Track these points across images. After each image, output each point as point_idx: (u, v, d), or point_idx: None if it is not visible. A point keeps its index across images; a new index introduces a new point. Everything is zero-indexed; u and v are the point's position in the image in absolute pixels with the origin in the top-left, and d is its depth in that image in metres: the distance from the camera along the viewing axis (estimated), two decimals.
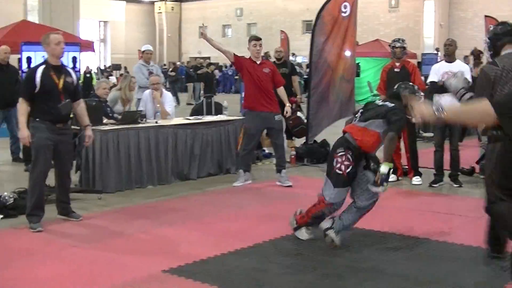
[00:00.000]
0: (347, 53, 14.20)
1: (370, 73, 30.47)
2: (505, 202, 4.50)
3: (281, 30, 35.97)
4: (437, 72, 11.51)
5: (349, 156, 7.57)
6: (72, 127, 9.74)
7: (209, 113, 15.03)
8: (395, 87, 8.17)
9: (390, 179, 8.59)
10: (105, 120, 11.30)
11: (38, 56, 14.95)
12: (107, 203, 10.06)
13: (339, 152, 7.62)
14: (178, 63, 51.00)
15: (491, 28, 7.09)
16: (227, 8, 60.55)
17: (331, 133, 15.67)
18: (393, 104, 7.71)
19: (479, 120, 3.91)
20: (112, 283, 6.46)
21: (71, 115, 9.14)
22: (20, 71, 15.35)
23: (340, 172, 7.56)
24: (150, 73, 13.78)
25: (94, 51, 25.88)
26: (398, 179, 11.84)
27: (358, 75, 26.82)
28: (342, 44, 14.00)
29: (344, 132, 7.85)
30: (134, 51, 48.71)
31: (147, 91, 12.70)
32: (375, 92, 14.87)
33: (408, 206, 9.78)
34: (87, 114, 9.04)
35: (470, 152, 13.37)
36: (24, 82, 8.74)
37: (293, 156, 13.84)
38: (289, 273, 6.76)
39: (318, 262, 7.13)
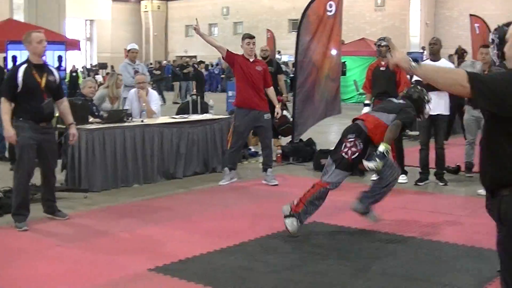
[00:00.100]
0: (333, 52, 14.23)
1: (356, 72, 30.55)
2: None
3: (267, 29, 36.01)
4: None
5: (358, 144, 7.98)
6: (58, 126, 9.72)
7: (195, 112, 15.03)
8: (407, 89, 8.87)
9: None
10: (91, 119, 11.29)
11: (23, 55, 14.79)
12: (93, 202, 10.05)
13: (350, 138, 8.03)
14: (165, 62, 50.94)
15: (499, 26, 7.02)
16: (213, 7, 60.54)
17: (317, 132, 15.78)
18: (406, 103, 8.39)
19: (449, 85, 3.90)
20: (98, 282, 6.46)
21: (57, 114, 9.12)
22: (5, 70, 15.29)
23: (346, 156, 7.95)
24: (136, 72, 13.76)
25: (80, 49, 25.83)
26: None
27: (344, 74, 26.87)
28: (328, 43, 14.02)
29: (356, 119, 8.31)
30: (120, 50, 48.58)
31: (133, 90, 12.68)
32: (361, 90, 14.93)
33: (393, 205, 9.80)
34: (70, 112, 8.98)
35: (456, 150, 13.42)
36: (6, 81, 8.65)
37: (279, 155, 13.85)
38: (275, 272, 6.77)
39: (304, 261, 7.15)
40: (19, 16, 27.35)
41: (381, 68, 11.88)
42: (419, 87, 8.84)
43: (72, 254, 7.41)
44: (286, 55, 43.71)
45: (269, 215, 9.05)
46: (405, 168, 11.84)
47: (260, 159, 12.45)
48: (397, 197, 10.21)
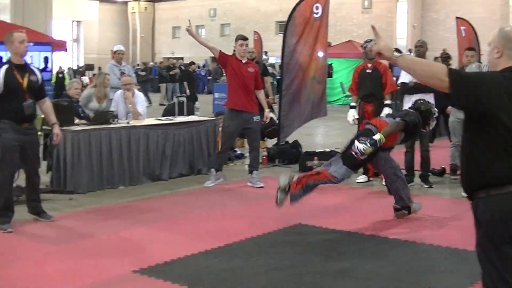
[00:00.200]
0: (319, 54, 14.26)
1: (343, 74, 30.57)
2: None
3: (254, 31, 35.97)
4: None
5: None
6: (44, 127, 9.69)
7: (181, 113, 15.02)
8: (415, 101, 9.41)
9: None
10: (76, 121, 11.26)
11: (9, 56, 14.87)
12: (78, 204, 10.03)
13: (361, 140, 8.44)
14: (151, 63, 50.84)
15: None
16: (200, 8, 60.44)
17: (303, 134, 15.80)
18: (413, 111, 9.04)
19: (428, 78, 3.95)
20: (82, 284, 6.45)
21: (42, 116, 9.08)
22: None
23: (356, 156, 8.41)
24: (122, 73, 13.73)
25: (66, 50, 25.77)
26: (369, 180, 11.91)
27: (330, 76, 26.92)
28: (314, 45, 14.05)
29: (367, 123, 8.97)
30: (107, 51, 48.38)
31: (119, 92, 12.65)
32: (347, 93, 14.96)
33: (378, 207, 9.83)
34: (53, 112, 8.92)
35: (441, 152, 13.44)
36: None
37: (264, 157, 13.84)
38: (260, 273, 6.78)
39: (288, 262, 7.16)
40: (5, 17, 27.29)
41: (368, 70, 11.90)
42: (426, 100, 9.36)
43: (57, 256, 7.39)
44: (274, 57, 43.68)
45: (254, 216, 9.06)
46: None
47: (246, 161, 12.46)
48: (382, 199, 10.24)
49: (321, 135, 20.90)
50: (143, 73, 37.82)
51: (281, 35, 14.54)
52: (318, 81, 14.36)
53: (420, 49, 11.76)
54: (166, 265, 6.98)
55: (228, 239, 7.95)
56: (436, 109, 9.37)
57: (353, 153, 8.39)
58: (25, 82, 8.41)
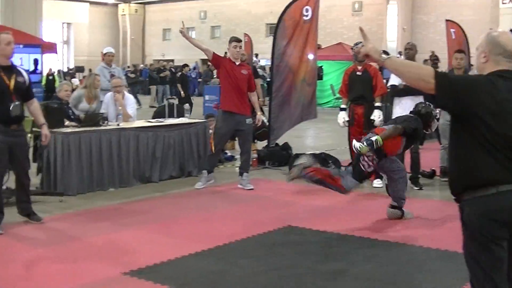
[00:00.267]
0: (309, 56, 14.26)
1: (333, 76, 30.57)
2: None
3: (245, 33, 35.97)
4: None
5: (374, 159, 8.84)
6: (33, 129, 9.67)
7: (171, 116, 15.01)
8: (416, 105, 9.60)
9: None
10: (66, 123, 11.24)
11: None
12: (68, 206, 10.01)
13: (368, 154, 8.79)
14: (142, 65, 50.80)
15: None
16: (191, 10, 60.38)
17: (293, 136, 15.80)
18: (413, 116, 9.32)
19: (414, 80, 4.00)
20: (72, 285, 6.44)
21: (32, 118, 9.06)
22: None
23: (363, 170, 8.87)
24: (112, 75, 13.70)
25: (57, 53, 25.70)
26: (361, 182, 11.90)
27: (321, 78, 26.91)
28: (304, 48, 14.04)
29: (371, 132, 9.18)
30: (97, 53, 48.29)
31: (109, 94, 12.62)
32: (338, 95, 14.95)
33: (368, 209, 9.85)
34: (42, 113, 8.91)
35: (431, 154, 13.47)
36: None
37: (254, 159, 13.82)
38: (249, 275, 6.78)
39: (278, 265, 7.16)
40: None
41: (358, 73, 11.90)
42: (427, 103, 9.40)
43: (46, 258, 7.39)
44: (264, 59, 43.69)
45: (244, 218, 9.06)
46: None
47: (236, 163, 12.45)
48: (372, 201, 10.26)
49: (311, 137, 20.93)
50: (132, 75, 37.83)
51: (271, 38, 14.53)
52: (308, 83, 14.36)
53: (410, 52, 11.77)
54: (156, 267, 6.97)
55: (218, 241, 7.95)
56: (437, 111, 9.49)
57: (361, 166, 8.82)
58: (11, 83, 8.37)
